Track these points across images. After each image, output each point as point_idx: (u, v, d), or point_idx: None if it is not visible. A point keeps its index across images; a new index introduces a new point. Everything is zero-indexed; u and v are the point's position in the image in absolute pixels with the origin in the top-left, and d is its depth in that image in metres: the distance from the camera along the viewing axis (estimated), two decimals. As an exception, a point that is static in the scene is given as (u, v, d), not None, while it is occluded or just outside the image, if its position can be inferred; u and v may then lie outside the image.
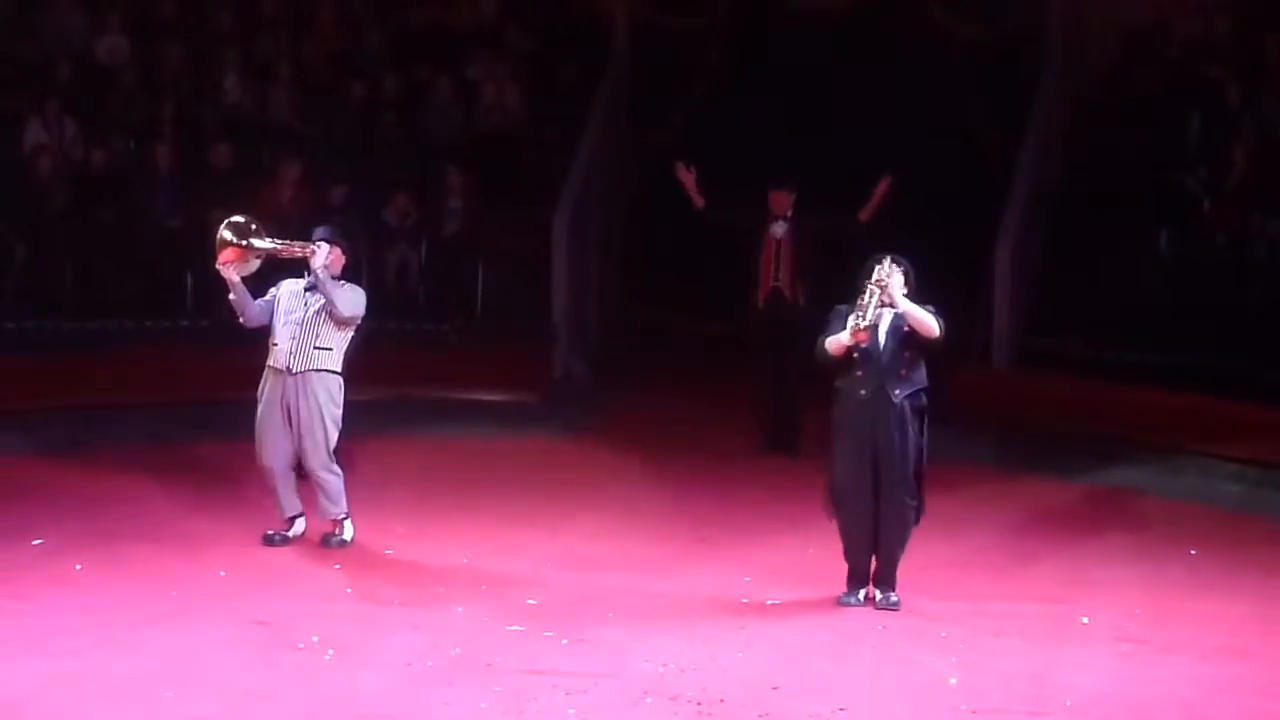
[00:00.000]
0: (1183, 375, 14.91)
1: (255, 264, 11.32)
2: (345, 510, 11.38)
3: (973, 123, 17.69)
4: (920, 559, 10.55)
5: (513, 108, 18.14)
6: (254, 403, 11.37)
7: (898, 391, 10.18)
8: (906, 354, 10.21)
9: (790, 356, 13.89)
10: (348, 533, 11.38)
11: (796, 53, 18.43)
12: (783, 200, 14.30)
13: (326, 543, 11.34)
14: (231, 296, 11.33)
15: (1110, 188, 16.24)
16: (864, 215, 14.05)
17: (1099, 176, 16.45)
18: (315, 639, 9.43)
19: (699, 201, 14.25)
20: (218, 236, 11.27)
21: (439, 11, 18.88)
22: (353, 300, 11.30)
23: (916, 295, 10.26)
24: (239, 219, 11.31)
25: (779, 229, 14.26)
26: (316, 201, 16.74)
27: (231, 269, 11.23)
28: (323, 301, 11.22)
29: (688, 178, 14.24)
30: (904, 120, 17.65)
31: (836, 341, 10.26)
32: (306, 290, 11.30)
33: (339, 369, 11.27)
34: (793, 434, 14.31)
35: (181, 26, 18.04)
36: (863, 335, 10.20)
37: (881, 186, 14.04)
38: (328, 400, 11.23)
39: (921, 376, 10.27)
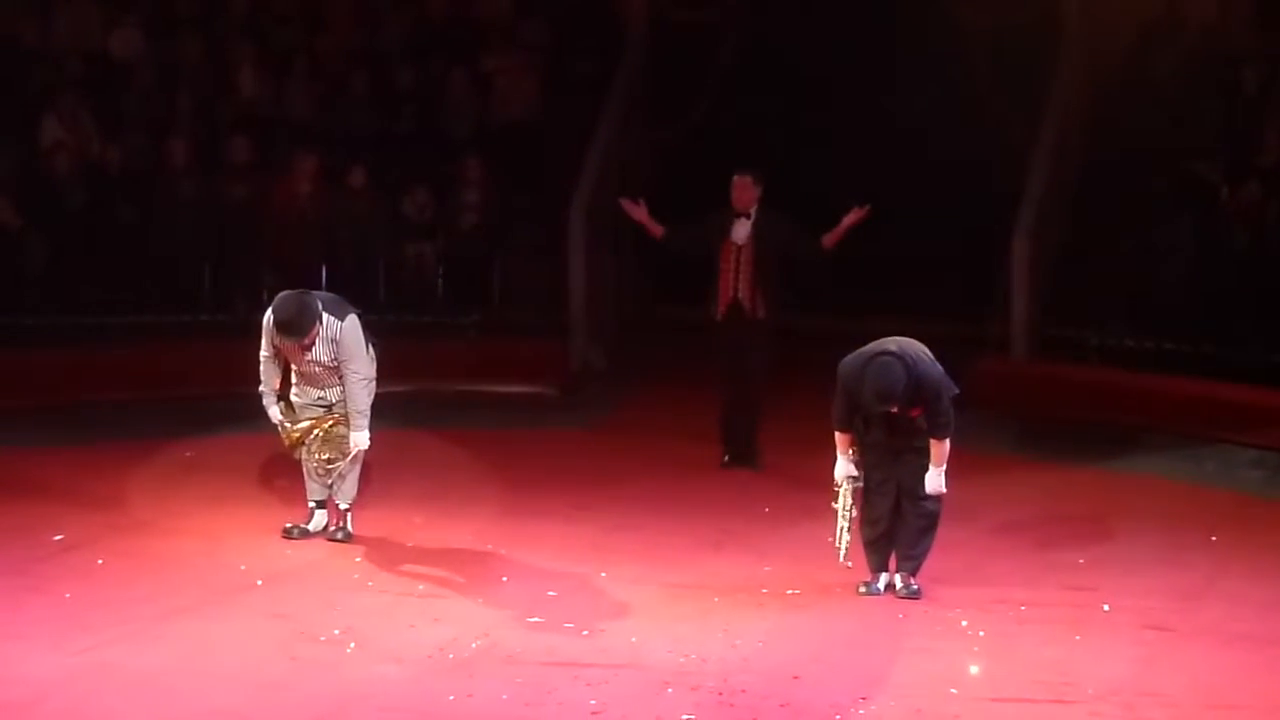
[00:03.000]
0: (1202, 362, 14.90)
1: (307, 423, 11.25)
2: (353, 497, 11.37)
3: (989, 111, 17.64)
4: (941, 548, 10.53)
5: (529, 100, 18.14)
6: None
7: (916, 443, 10.18)
8: (914, 414, 10.16)
9: (752, 372, 13.47)
10: (350, 524, 11.37)
11: (812, 45, 18.41)
12: (746, 189, 13.30)
13: (332, 537, 11.33)
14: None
15: (1128, 175, 16.21)
16: (828, 241, 13.35)
17: (1117, 164, 16.41)
18: (336, 631, 9.44)
19: (656, 231, 13.65)
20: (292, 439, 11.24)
21: (455, 4, 18.88)
22: (360, 384, 11.07)
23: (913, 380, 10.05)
24: (286, 434, 11.23)
25: (741, 232, 13.34)
26: (334, 194, 16.78)
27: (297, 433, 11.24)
28: (323, 358, 11.03)
29: (637, 211, 13.68)
30: (920, 111, 17.63)
31: (838, 443, 10.34)
32: (304, 351, 11.04)
33: (369, 373, 11.23)
34: (752, 449, 13.65)
35: (197, 21, 18.05)
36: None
37: (852, 217, 13.27)
38: (363, 390, 11.19)
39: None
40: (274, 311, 10.96)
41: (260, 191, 16.80)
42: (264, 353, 11.21)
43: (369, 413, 11.12)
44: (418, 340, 15.78)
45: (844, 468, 10.37)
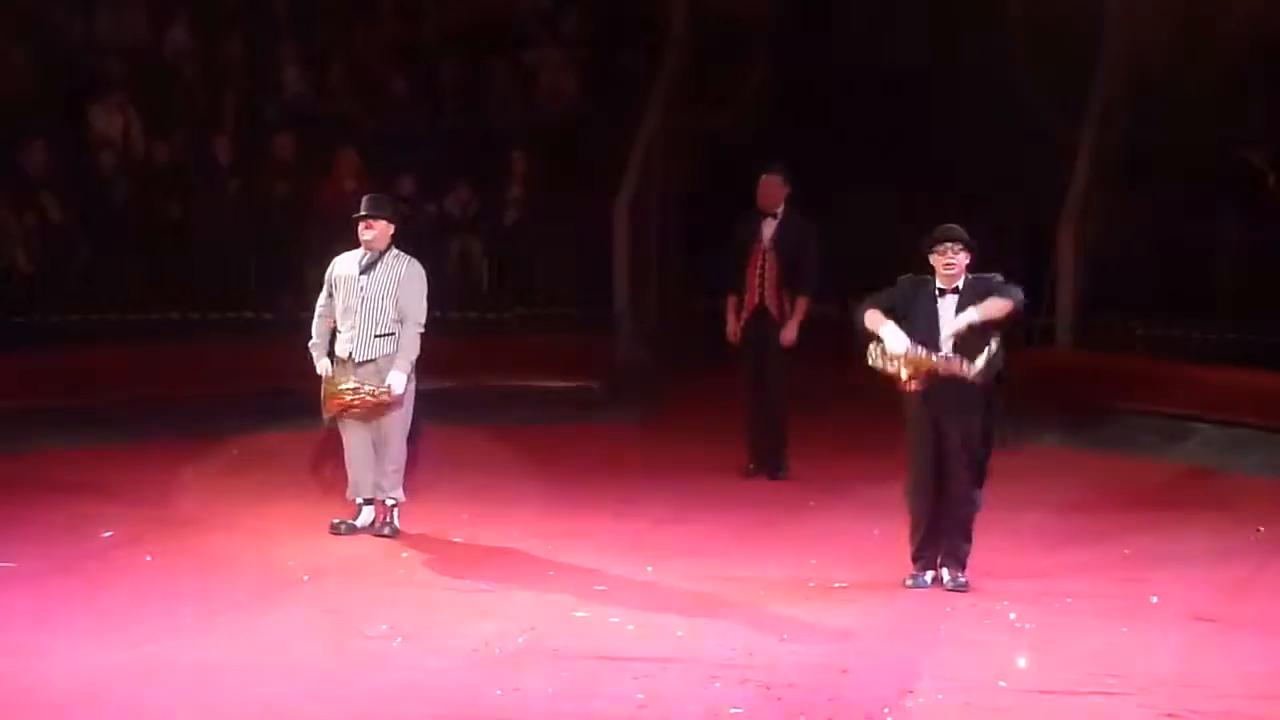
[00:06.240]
0: (1249, 351, 14.82)
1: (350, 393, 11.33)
2: (400, 497, 11.41)
3: (1033, 102, 17.59)
4: (988, 540, 10.50)
5: (572, 94, 18.15)
6: (318, 393, 11.42)
7: (960, 387, 10.11)
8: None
9: (776, 377, 13.28)
10: (397, 520, 11.41)
11: (856, 34, 18.37)
12: (773, 189, 13.17)
13: (378, 532, 11.38)
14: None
15: (1173, 164, 16.13)
16: (786, 337, 13.17)
17: (1162, 153, 16.34)
18: (383, 626, 9.45)
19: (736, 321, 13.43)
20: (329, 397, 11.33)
21: (496, -1, 18.92)
22: (417, 332, 11.26)
23: (978, 267, 10.20)
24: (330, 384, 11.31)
25: (767, 232, 13.20)
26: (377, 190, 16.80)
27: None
28: (378, 288, 11.22)
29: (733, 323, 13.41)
30: (962, 102, 17.59)
31: (874, 326, 10.02)
32: (361, 274, 11.29)
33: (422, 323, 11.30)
34: (778, 455, 13.39)
35: (241, 18, 18.09)
36: (910, 385, 9.97)
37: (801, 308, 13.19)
38: (417, 340, 11.25)
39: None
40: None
41: (304, 188, 16.83)
42: (320, 304, 11.38)
43: (413, 362, 11.18)
44: (462, 335, 15.80)
45: (896, 339, 9.92)
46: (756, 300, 13.28)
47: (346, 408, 11.25)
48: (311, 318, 11.47)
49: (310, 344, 11.37)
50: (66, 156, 16.50)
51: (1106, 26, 17.21)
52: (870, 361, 10.05)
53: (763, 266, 13.22)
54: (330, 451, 11.87)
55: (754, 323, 13.30)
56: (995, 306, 9.99)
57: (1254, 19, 16.85)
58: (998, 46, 17.56)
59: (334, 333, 11.36)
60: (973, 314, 9.97)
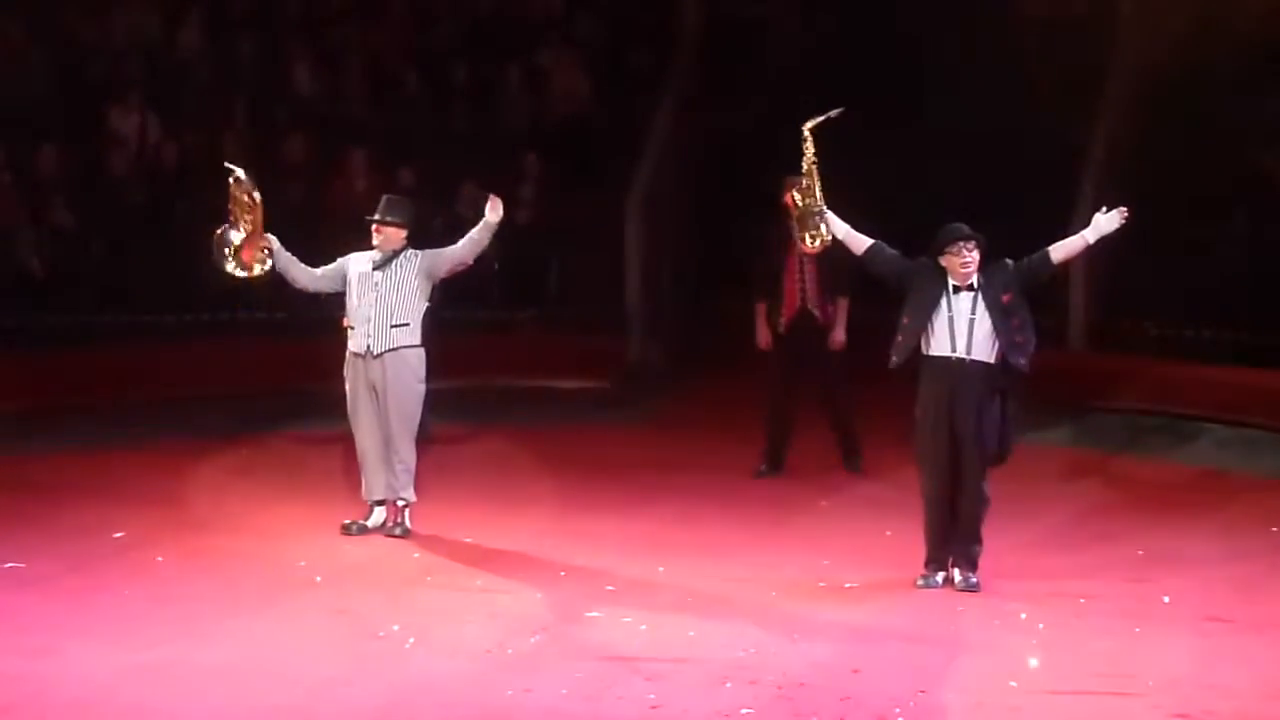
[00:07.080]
0: (1262, 353, 14.81)
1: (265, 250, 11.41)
2: (411, 497, 11.42)
3: (1044, 103, 17.57)
4: (999, 540, 10.51)
5: (583, 95, 18.16)
6: (330, 393, 11.45)
7: (982, 374, 10.11)
8: (996, 339, 10.12)
9: (839, 382, 13.16)
10: (409, 520, 11.43)
11: (869, 32, 18.37)
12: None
13: (390, 533, 11.39)
14: (274, 265, 11.44)
15: (1185, 165, 16.12)
16: (836, 340, 13.07)
17: (1175, 155, 16.31)
18: (395, 627, 9.46)
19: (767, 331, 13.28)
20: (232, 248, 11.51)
21: (508, 1, 18.91)
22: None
23: (990, 269, 10.22)
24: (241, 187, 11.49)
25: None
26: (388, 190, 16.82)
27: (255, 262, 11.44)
28: (392, 282, 11.25)
29: (763, 333, 13.25)
30: (975, 106, 17.56)
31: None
32: (375, 269, 11.31)
33: (419, 342, 11.32)
34: (854, 449, 13.33)
35: (253, 19, 18.10)
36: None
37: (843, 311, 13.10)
38: (411, 377, 11.30)
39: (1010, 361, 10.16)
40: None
41: (316, 189, 16.84)
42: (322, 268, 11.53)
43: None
44: (475, 336, 15.81)
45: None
46: (798, 304, 13.11)
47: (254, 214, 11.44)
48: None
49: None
50: (80, 158, 16.52)
51: (1119, 26, 17.19)
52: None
53: (802, 272, 13.05)
54: (344, 452, 11.87)
55: (797, 326, 13.13)
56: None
57: (1265, 17, 16.81)
58: (1008, 45, 17.54)
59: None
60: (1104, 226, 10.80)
